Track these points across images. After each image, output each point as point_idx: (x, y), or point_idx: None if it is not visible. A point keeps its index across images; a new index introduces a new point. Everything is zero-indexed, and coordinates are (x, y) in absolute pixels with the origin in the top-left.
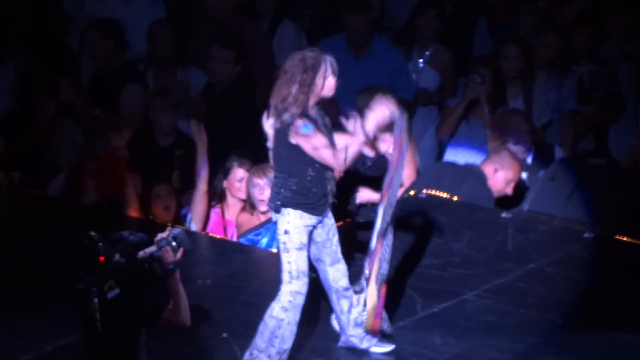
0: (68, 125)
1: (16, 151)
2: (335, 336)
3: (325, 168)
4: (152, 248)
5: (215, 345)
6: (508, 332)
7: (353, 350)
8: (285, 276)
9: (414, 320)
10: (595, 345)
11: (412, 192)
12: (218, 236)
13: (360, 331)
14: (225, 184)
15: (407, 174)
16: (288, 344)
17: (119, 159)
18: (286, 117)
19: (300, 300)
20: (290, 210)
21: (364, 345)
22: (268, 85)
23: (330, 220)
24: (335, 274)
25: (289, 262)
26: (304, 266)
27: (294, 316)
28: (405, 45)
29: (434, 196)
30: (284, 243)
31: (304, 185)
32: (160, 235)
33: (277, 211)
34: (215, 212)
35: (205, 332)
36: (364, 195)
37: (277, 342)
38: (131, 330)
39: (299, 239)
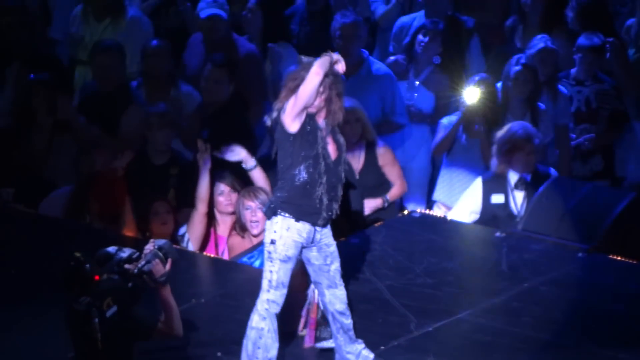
0: (65, 143)
1: (9, 168)
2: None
3: (322, 176)
4: (141, 262)
5: None
6: (502, 352)
7: None
8: (264, 284)
9: (408, 340)
10: None
11: (405, 212)
12: (212, 255)
13: (355, 348)
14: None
15: (397, 185)
16: (272, 352)
17: (118, 180)
18: (273, 113)
19: (276, 309)
20: (279, 218)
21: None
22: (259, 105)
23: (329, 247)
24: (332, 297)
25: (270, 272)
26: (285, 278)
27: (272, 324)
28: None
29: (428, 215)
30: (269, 252)
31: (295, 186)
32: (146, 248)
33: (268, 217)
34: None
35: (200, 352)
36: (370, 204)
37: (261, 353)
38: (129, 346)
39: (284, 250)
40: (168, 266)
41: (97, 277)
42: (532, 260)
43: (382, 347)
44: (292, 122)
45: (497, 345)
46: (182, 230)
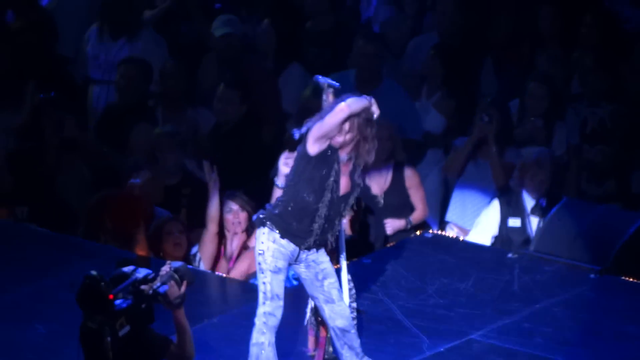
0: (75, 162)
1: (23, 187)
2: None
3: (322, 207)
4: (157, 283)
5: None
6: None
7: None
8: (260, 298)
9: None
10: None
11: (418, 232)
12: (224, 275)
13: None
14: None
15: (419, 209)
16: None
17: (135, 200)
18: (303, 128)
19: (274, 322)
20: (266, 230)
21: None
22: (273, 124)
23: (318, 265)
24: (330, 313)
25: (263, 283)
26: (278, 289)
27: (271, 338)
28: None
29: (441, 236)
30: (259, 263)
31: (291, 205)
32: (162, 269)
33: (257, 226)
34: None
35: None
36: (394, 225)
37: None
38: None
39: (273, 262)
40: (183, 288)
41: (111, 296)
42: (544, 281)
43: None
44: (312, 144)
45: None
46: (194, 249)
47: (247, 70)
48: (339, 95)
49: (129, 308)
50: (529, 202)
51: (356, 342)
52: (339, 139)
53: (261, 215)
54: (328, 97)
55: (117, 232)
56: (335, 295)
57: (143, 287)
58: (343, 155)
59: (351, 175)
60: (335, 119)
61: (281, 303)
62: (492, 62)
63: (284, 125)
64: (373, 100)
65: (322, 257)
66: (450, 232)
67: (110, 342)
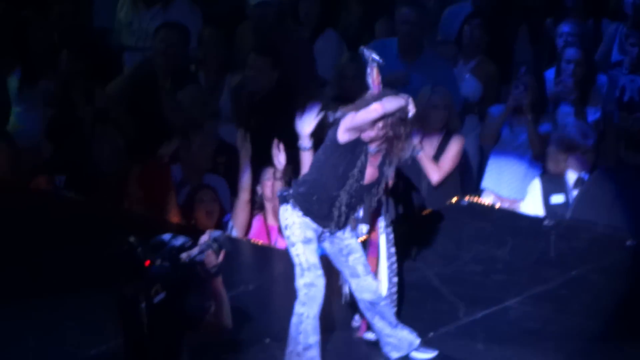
0: (108, 131)
1: (62, 156)
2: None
3: (344, 194)
4: (194, 251)
5: (258, 350)
6: (551, 340)
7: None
8: (297, 270)
9: (457, 327)
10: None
11: (454, 200)
12: (260, 242)
13: (397, 333)
14: (259, 189)
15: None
16: (313, 339)
17: (164, 167)
18: (338, 113)
19: (315, 292)
20: (289, 207)
21: (403, 350)
22: (307, 92)
23: (343, 241)
24: (357, 286)
25: (297, 255)
26: (313, 258)
27: (312, 310)
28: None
29: (476, 203)
30: (288, 237)
31: (314, 188)
32: (201, 238)
33: (280, 203)
34: (257, 219)
35: (248, 338)
36: None
37: (302, 338)
38: (176, 334)
39: (302, 232)
40: (221, 258)
41: (147, 263)
42: (581, 248)
43: (431, 334)
44: (342, 133)
45: (545, 333)
46: (227, 217)
47: (280, 38)
48: (382, 69)
49: (165, 275)
50: (571, 176)
51: (388, 313)
52: (370, 134)
53: (285, 193)
54: (372, 71)
55: (149, 200)
56: (361, 270)
57: (181, 255)
58: (372, 147)
59: (380, 166)
60: (367, 116)
61: (320, 272)
62: (528, 30)
63: (319, 92)
64: (410, 99)
65: (346, 233)
66: (487, 199)
67: (144, 308)
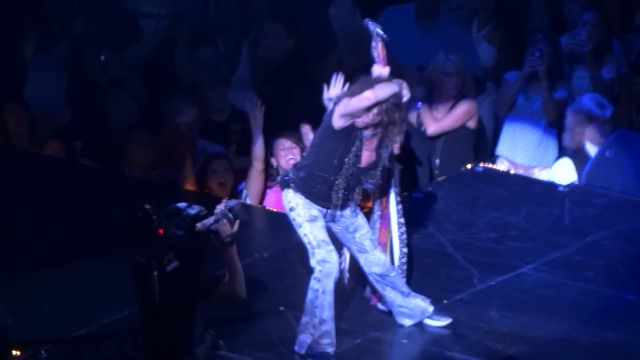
0: (122, 97)
1: (78, 122)
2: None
3: (340, 177)
4: (210, 220)
5: (272, 318)
6: (565, 306)
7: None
8: (308, 250)
9: (471, 294)
10: None
11: (469, 166)
12: (275, 210)
13: (410, 302)
14: (274, 161)
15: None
16: (327, 313)
17: (182, 134)
18: (333, 99)
19: (330, 267)
20: (290, 192)
21: (416, 318)
22: (324, 59)
23: (348, 219)
24: (365, 261)
25: (305, 235)
26: (321, 234)
27: (327, 285)
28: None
29: (491, 170)
30: (294, 219)
31: (313, 171)
32: (217, 208)
33: (282, 187)
34: (274, 191)
35: (263, 306)
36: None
37: (318, 312)
38: (188, 302)
39: (307, 212)
40: (236, 227)
41: (161, 231)
42: (595, 214)
43: (445, 301)
44: (337, 119)
45: (560, 299)
46: (241, 186)
47: (295, 4)
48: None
49: (179, 244)
50: (591, 149)
51: (399, 283)
52: (365, 120)
53: (286, 178)
54: (377, 45)
55: (164, 167)
56: (368, 245)
57: (195, 224)
58: (367, 132)
59: (377, 149)
60: (360, 104)
61: (331, 247)
62: None
63: (335, 58)
64: (405, 85)
65: (349, 212)
66: (501, 166)
67: (156, 276)
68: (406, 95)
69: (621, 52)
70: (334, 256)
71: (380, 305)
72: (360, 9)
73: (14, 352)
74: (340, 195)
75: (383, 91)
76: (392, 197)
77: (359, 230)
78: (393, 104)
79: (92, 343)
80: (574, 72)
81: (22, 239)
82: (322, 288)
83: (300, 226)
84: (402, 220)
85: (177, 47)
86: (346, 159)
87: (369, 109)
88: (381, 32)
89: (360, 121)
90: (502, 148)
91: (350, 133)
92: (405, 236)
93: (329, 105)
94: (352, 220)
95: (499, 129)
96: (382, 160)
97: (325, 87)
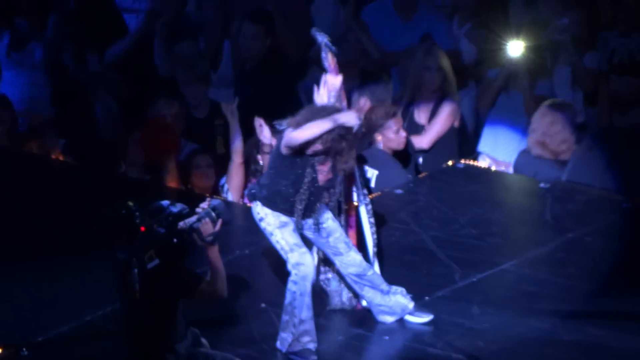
0: (101, 95)
1: (61, 120)
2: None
3: (301, 193)
4: (192, 219)
5: (254, 315)
6: (547, 302)
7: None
8: (282, 255)
9: (452, 290)
10: (637, 313)
11: (450, 162)
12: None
13: (389, 300)
14: (260, 159)
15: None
16: (306, 313)
17: (165, 127)
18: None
19: (304, 270)
20: (258, 204)
21: (396, 315)
22: (300, 58)
23: (320, 224)
24: (341, 264)
25: (277, 242)
26: (293, 239)
27: (303, 288)
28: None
29: (472, 166)
30: (265, 229)
31: (272, 195)
32: (201, 206)
33: (249, 200)
34: None
35: (244, 303)
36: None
37: (297, 312)
38: (169, 301)
39: (276, 219)
40: (218, 227)
41: (143, 228)
42: (577, 210)
43: (427, 298)
44: (284, 147)
45: (541, 295)
46: (223, 181)
47: (276, 3)
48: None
49: (160, 241)
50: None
51: (378, 281)
52: (313, 149)
53: (253, 191)
54: (327, 57)
55: (147, 161)
56: (342, 248)
57: (178, 222)
58: (318, 157)
59: (332, 168)
60: (292, 142)
61: (303, 249)
62: None
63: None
64: (353, 115)
65: (322, 217)
66: (483, 163)
67: (136, 274)
68: (356, 125)
69: (601, 49)
70: (307, 258)
71: (362, 304)
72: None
73: None
74: (301, 207)
75: (312, 131)
76: (360, 200)
77: (332, 234)
78: (337, 134)
79: (74, 340)
80: (554, 66)
81: (3, 236)
82: (299, 290)
83: (272, 234)
84: (372, 220)
85: (155, 42)
86: (302, 181)
87: (312, 140)
88: (329, 43)
89: (309, 150)
90: (483, 145)
91: (301, 159)
92: (375, 236)
93: (279, 128)
94: (325, 226)
95: (480, 125)
96: (339, 179)
97: (315, 87)
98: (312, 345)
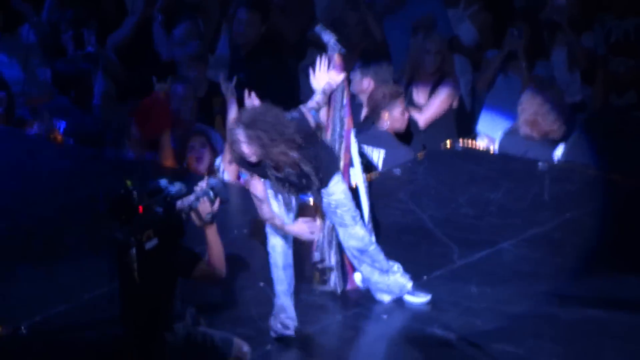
0: (100, 76)
1: (60, 101)
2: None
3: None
4: (190, 198)
5: (252, 294)
6: (545, 282)
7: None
8: None
9: (450, 270)
10: (634, 292)
11: (448, 143)
12: None
13: (387, 278)
14: None
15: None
16: (280, 287)
17: (160, 104)
18: None
19: (272, 240)
20: None
21: (394, 294)
22: (296, 43)
23: (330, 195)
24: (344, 235)
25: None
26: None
27: (274, 259)
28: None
29: (471, 147)
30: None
31: None
32: (198, 185)
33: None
34: None
35: (242, 282)
36: None
37: (274, 285)
38: (167, 280)
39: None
40: (216, 206)
41: (141, 208)
42: (574, 191)
43: (425, 277)
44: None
45: (539, 275)
46: (218, 161)
47: None
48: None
49: (158, 221)
50: None
51: (378, 258)
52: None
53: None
54: (333, 57)
55: (144, 138)
56: (348, 220)
57: (176, 201)
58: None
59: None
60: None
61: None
62: None
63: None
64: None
65: (332, 188)
66: (481, 143)
67: (135, 254)
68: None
69: (597, 30)
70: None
71: (352, 283)
72: None
73: None
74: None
75: (261, 211)
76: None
77: (340, 207)
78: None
79: (73, 320)
80: (552, 48)
81: (2, 216)
82: (271, 261)
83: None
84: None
85: (154, 25)
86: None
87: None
88: (336, 43)
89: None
90: (482, 125)
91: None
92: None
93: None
94: (335, 197)
95: (479, 106)
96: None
97: (311, 70)
98: (288, 322)
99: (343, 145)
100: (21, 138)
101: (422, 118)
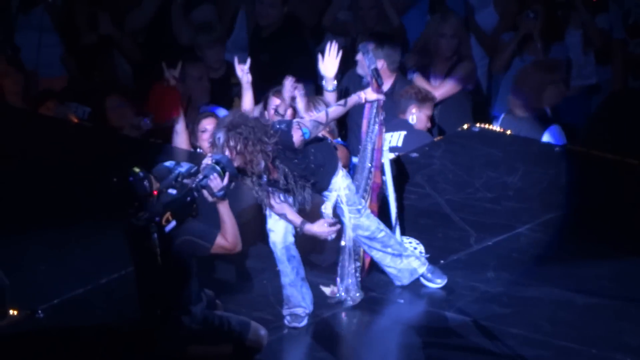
0: (116, 58)
1: (75, 83)
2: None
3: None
4: (199, 177)
5: (269, 278)
6: (561, 265)
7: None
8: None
9: (467, 254)
10: None
11: (465, 126)
12: None
13: (400, 262)
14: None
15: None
16: (283, 279)
17: (171, 89)
18: None
19: (272, 237)
20: None
21: (404, 280)
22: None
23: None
24: (351, 226)
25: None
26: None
27: (275, 255)
28: None
29: (488, 130)
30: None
31: None
32: (204, 162)
33: None
34: None
35: (260, 265)
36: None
37: (280, 276)
38: (185, 262)
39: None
40: (226, 180)
41: (155, 192)
42: (591, 174)
43: (442, 261)
44: None
45: (556, 259)
46: None
47: None
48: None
49: (174, 202)
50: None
51: (389, 242)
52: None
53: None
54: (372, 82)
55: (157, 123)
56: (354, 213)
57: (186, 181)
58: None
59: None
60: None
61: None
62: None
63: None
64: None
65: (334, 186)
66: (498, 127)
67: (157, 238)
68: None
69: (613, 11)
70: (278, 225)
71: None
72: None
73: (11, 312)
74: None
75: (284, 218)
76: (387, 168)
77: (345, 202)
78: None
79: (89, 303)
80: (566, 29)
81: (19, 198)
82: (276, 256)
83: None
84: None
85: (172, 9)
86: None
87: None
88: (378, 72)
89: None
90: (499, 108)
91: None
92: (396, 203)
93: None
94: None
95: (495, 89)
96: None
97: (320, 56)
98: (298, 312)
99: (374, 164)
100: (37, 118)
101: (438, 92)
